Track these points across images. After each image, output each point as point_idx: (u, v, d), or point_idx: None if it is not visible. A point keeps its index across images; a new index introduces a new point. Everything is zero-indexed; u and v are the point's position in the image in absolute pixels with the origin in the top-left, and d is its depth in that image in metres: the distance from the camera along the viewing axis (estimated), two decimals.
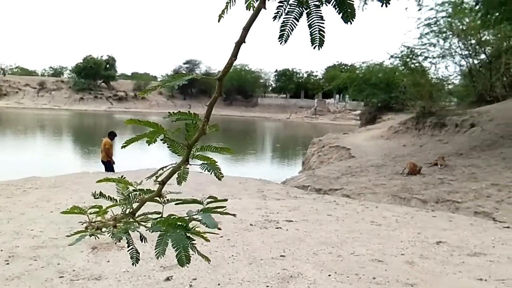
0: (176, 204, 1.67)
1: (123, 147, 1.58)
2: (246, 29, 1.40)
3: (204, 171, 1.55)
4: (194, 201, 1.63)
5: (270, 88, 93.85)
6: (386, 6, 1.40)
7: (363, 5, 15.14)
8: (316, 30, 1.49)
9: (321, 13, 1.49)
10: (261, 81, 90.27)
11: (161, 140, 1.49)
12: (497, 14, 12.89)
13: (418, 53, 20.90)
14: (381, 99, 28.43)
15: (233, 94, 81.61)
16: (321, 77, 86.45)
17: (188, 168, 1.55)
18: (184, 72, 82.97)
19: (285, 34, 1.52)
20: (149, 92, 1.54)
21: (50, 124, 46.24)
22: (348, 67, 74.27)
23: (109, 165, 13.90)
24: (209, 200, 1.66)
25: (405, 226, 7.30)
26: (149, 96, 78.77)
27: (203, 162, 1.55)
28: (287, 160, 27.34)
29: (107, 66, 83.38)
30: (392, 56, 22.31)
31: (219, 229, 1.51)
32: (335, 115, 69.33)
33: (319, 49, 1.52)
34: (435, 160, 12.09)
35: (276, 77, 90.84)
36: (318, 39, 1.51)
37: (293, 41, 1.68)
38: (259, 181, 12.99)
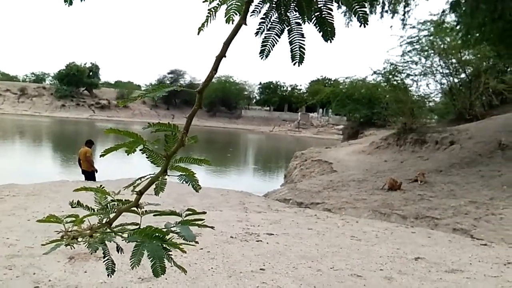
0: (154, 215, 1.68)
1: (102, 155, 1.59)
2: (227, 43, 1.43)
3: (182, 182, 1.56)
4: (173, 213, 1.64)
5: (254, 100, 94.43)
6: (365, 26, 1.44)
7: (348, 22, 15.40)
8: (296, 47, 1.54)
9: (302, 30, 1.53)
10: (245, 93, 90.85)
11: (140, 150, 1.50)
12: (477, 34, 13.21)
13: (401, 70, 21.25)
14: (364, 114, 28.91)
15: (217, 106, 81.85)
16: (305, 91, 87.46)
17: (166, 179, 1.55)
18: (168, 82, 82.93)
19: (266, 50, 1.56)
20: (129, 102, 1.55)
21: (30, 130, 45.55)
22: (332, 82, 75.14)
23: (91, 174, 13.73)
24: (188, 212, 1.66)
25: (385, 242, 7.36)
26: (132, 105, 78.39)
27: (181, 173, 1.56)
28: (269, 173, 27.36)
29: (90, 73, 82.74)
30: (375, 72, 22.65)
31: (197, 242, 1.52)
32: (318, 129, 70.10)
33: (299, 65, 1.57)
34: (415, 176, 12.24)
35: (260, 90, 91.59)
36: (298, 56, 1.55)
37: (277, 54, 1.72)
38: (240, 193, 12.97)
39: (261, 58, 1.58)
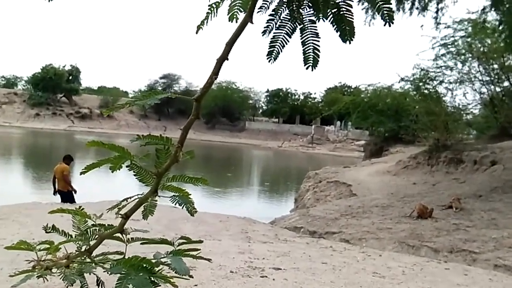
0: (142, 243, 1.68)
1: (82, 173, 1.60)
2: (230, 44, 1.44)
3: (175, 204, 1.60)
4: (163, 242, 1.65)
5: (260, 110, 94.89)
6: (390, 25, 1.46)
7: (370, 20, 15.47)
8: (310, 49, 1.55)
9: (316, 29, 1.54)
10: (250, 101, 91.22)
11: (127, 167, 1.52)
12: None
13: (433, 77, 21.24)
14: (389, 128, 28.95)
15: (217, 116, 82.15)
16: (320, 100, 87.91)
17: (156, 201, 1.59)
18: (160, 88, 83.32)
19: (274, 51, 1.57)
20: (114, 111, 1.56)
21: None
22: (352, 90, 75.20)
23: (68, 194, 13.74)
24: (181, 241, 1.67)
25: (413, 280, 7.30)
26: (118, 114, 78.78)
27: (174, 194, 1.60)
28: (277, 196, 27.35)
29: (70, 77, 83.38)
30: (402, 79, 22.66)
31: (191, 276, 1.52)
32: (335, 144, 70.12)
33: (312, 70, 1.58)
34: (450, 202, 12.16)
35: (268, 98, 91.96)
36: (312, 59, 1.58)
37: (288, 57, 1.75)
38: (243, 220, 12.94)
39: (269, 61, 1.61)
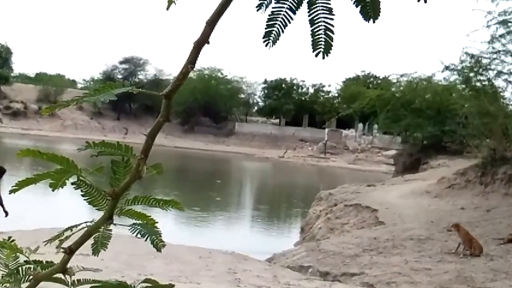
0: (92, 287, 1.68)
1: (12, 191, 1.60)
2: (211, 23, 1.45)
3: (136, 234, 1.58)
4: (121, 285, 1.64)
5: (256, 108, 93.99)
6: (425, 1, 1.47)
7: None
8: (320, 30, 1.56)
9: (329, 4, 1.55)
10: (242, 96, 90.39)
11: (72, 184, 1.53)
12: None
13: (488, 65, 21.14)
14: (429, 133, 28.96)
15: (196, 115, 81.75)
16: (336, 95, 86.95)
17: (111, 230, 1.58)
18: (120, 76, 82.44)
19: (273, 32, 1.57)
20: (57, 108, 1.55)
21: None
22: (379, 81, 74.36)
23: None
24: (146, 284, 1.67)
25: None
26: (63, 111, 78.42)
27: (136, 221, 1.59)
28: (277, 224, 27.20)
29: None
30: (447, 68, 22.56)
31: None
32: (355, 155, 69.63)
33: (324, 57, 1.58)
34: (510, 235, 12.19)
35: (266, 92, 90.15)
36: (323, 43, 1.56)
37: (292, 38, 1.76)
38: (230, 256, 12.92)
39: (266, 44, 1.59)
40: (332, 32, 1.56)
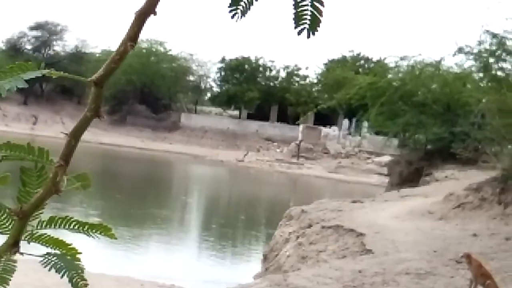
0: None
1: None
2: None
3: (49, 268, 1.47)
4: None
5: (209, 94, 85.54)
6: None
7: None
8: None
9: None
10: (191, 78, 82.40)
11: None
12: None
13: None
14: (434, 135, 26.27)
15: (130, 102, 74.15)
16: (315, 81, 79.51)
17: (15, 262, 1.48)
18: (30, 46, 74.54)
19: (242, 2, 1.40)
20: None
21: None
22: (372, 65, 67.71)
23: None
24: None
25: None
26: None
27: (51, 250, 1.50)
28: (232, 250, 25.57)
29: None
30: (461, 50, 20.95)
31: None
32: (338, 161, 62.82)
33: (309, 35, 1.44)
34: None
35: (223, 74, 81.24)
36: (309, 17, 1.41)
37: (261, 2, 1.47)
38: None
39: (233, 15, 1.41)
40: (322, 3, 1.41)
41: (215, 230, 29.59)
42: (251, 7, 1.41)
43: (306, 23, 1.39)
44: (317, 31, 1.40)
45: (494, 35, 19.11)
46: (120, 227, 21.71)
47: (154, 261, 20.54)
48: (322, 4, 1.39)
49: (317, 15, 1.39)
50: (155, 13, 1.33)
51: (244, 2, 1.40)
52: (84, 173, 1.44)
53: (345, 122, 66.73)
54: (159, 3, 1.34)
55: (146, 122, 75.55)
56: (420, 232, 15.75)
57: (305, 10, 1.38)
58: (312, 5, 1.38)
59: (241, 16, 1.41)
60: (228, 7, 1.40)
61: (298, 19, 1.39)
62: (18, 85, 1.36)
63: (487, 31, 19.32)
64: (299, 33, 1.40)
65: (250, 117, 78.54)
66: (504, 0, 17.97)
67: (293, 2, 1.40)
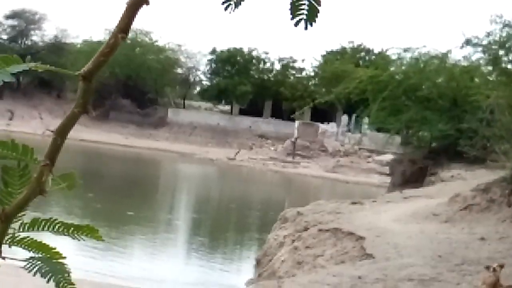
0: None
1: None
2: None
3: (34, 273, 1.43)
4: None
5: (198, 88, 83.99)
6: None
7: None
8: None
9: None
10: (179, 71, 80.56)
11: None
12: None
13: None
14: (440, 132, 25.83)
15: (113, 96, 72.06)
16: (312, 74, 77.95)
17: None
18: (6, 36, 71.58)
19: None
20: None
21: None
22: (373, 57, 66.81)
23: None
24: None
25: None
26: None
27: (34, 254, 1.46)
28: (222, 254, 24.99)
29: None
30: (468, 42, 20.57)
31: None
32: (336, 159, 61.53)
33: (306, 26, 1.41)
34: None
35: (213, 66, 79.30)
36: (306, 7, 1.38)
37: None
38: None
39: (227, 6, 1.38)
40: None
41: (204, 235, 29.05)
42: None
43: (303, 13, 1.38)
44: (315, 21, 1.38)
45: (505, 25, 18.78)
46: (102, 228, 20.36)
47: (138, 267, 20.06)
48: None
49: (315, 4, 1.37)
50: (147, 3, 1.30)
51: None
52: (71, 172, 1.41)
53: (344, 118, 65.39)
54: None
55: (130, 117, 73.82)
56: (424, 236, 15.42)
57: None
58: None
59: (235, 7, 1.38)
60: None
61: (294, 9, 1.37)
62: (5, 79, 1.30)
63: (497, 20, 18.95)
64: (296, 24, 1.38)
65: (242, 112, 76.95)
66: None
67: None
